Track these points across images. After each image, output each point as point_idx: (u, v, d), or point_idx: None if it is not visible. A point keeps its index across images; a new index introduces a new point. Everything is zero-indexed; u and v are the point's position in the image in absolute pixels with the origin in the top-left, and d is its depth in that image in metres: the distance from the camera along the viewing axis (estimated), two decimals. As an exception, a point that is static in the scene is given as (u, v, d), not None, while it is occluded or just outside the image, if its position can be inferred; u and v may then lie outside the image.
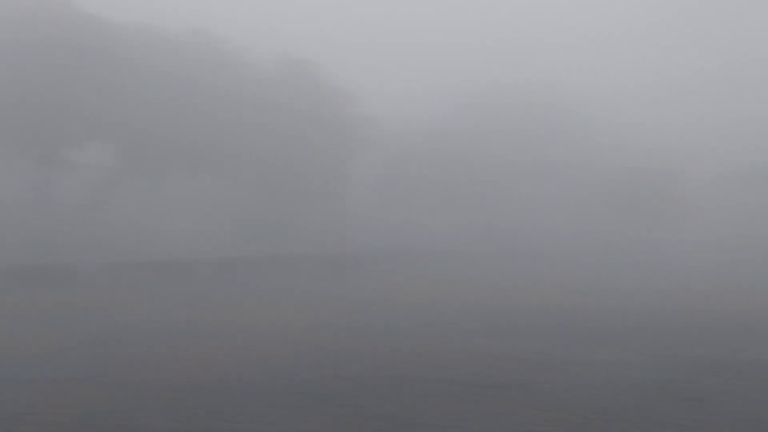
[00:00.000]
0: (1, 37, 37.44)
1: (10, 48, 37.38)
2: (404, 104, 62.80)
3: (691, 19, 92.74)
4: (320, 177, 49.26)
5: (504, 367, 13.80)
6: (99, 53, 39.56)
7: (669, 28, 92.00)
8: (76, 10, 39.96)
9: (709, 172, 67.70)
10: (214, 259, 38.84)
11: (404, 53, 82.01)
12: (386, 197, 57.43)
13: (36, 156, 39.03)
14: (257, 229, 47.39)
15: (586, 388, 12.14)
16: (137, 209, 45.01)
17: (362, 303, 25.65)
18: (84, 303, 24.95)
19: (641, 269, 47.79)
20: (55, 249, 38.37)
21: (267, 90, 47.62)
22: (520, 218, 63.03)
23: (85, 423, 9.17)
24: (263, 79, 48.01)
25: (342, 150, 50.98)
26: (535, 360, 14.81)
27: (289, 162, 47.69)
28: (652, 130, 73.49)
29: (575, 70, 79.69)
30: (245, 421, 9.57)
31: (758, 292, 33.12)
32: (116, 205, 43.76)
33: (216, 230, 46.49)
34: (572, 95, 68.42)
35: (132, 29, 42.26)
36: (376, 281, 35.73)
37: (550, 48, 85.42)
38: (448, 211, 60.44)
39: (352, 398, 11.16)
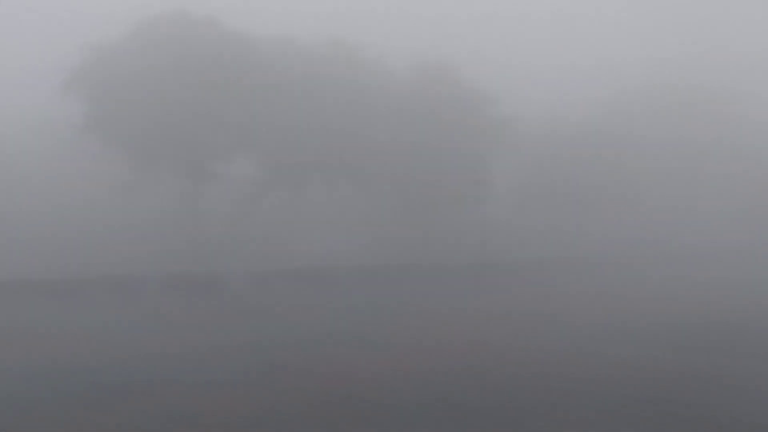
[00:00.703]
0: (153, 59, 39.30)
1: (160, 69, 39.11)
2: (547, 105, 60.08)
3: None
4: (460, 183, 47.90)
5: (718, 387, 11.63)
6: (243, 68, 40.63)
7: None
8: (221, 29, 41.36)
9: None
10: (355, 267, 38.64)
11: (546, 51, 79.16)
12: (530, 202, 55.03)
13: (186, 169, 40.63)
14: (397, 237, 46.75)
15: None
16: (280, 218, 45.80)
17: (515, 315, 23.85)
18: (233, 310, 25.15)
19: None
20: (205, 257, 39.58)
21: (405, 96, 47.04)
22: (673, 225, 58.74)
23: (248, 424, 8.93)
24: (400, 86, 47.49)
25: (482, 154, 49.37)
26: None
27: (429, 168, 46.74)
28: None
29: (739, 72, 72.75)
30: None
31: None
32: (260, 214, 44.72)
33: (356, 238, 46.34)
34: (738, 99, 62.84)
35: (272, 43, 43.07)
36: (523, 291, 33.79)
37: (711, 48, 78.80)
38: (596, 217, 57.10)
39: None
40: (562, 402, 10.17)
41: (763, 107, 62.94)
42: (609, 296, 29.05)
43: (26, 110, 43.27)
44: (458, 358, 13.71)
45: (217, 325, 20.40)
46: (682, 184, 60.35)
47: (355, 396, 10.82)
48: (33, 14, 50.19)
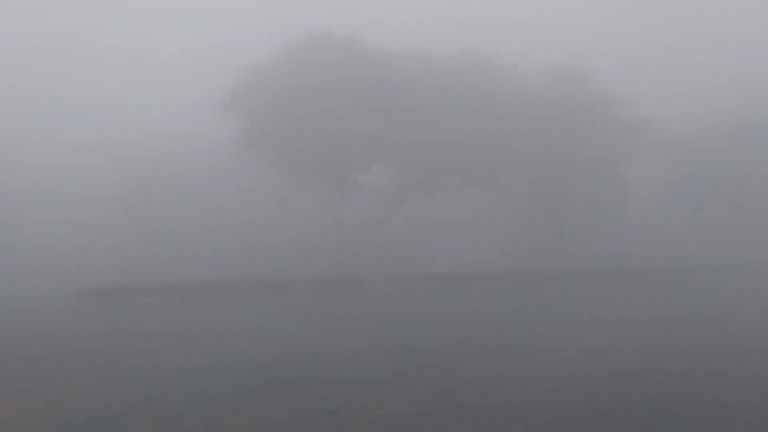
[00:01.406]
0: (301, 79, 41.77)
1: (308, 87, 41.46)
2: (686, 105, 57.39)
3: None
4: (599, 186, 46.92)
5: None
6: (381, 82, 42.31)
7: None
8: (362, 47, 43.28)
9: None
10: (493, 272, 38.85)
11: (682, 50, 75.55)
12: (671, 205, 52.87)
13: (330, 180, 43.00)
14: (535, 242, 46.50)
15: None
16: (419, 225, 47.00)
17: (658, 320, 23.38)
18: (375, 312, 25.87)
19: None
20: (348, 263, 41.56)
21: (539, 102, 46.79)
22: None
23: (393, 424, 9.34)
24: (534, 91, 47.34)
25: (620, 157, 48.18)
26: None
27: (566, 173, 46.21)
28: None
29: None
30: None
31: None
32: (400, 221, 46.11)
33: (493, 244, 46.62)
34: None
35: (408, 57, 44.47)
36: (671, 297, 32.61)
37: None
38: (741, 219, 53.81)
39: None
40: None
41: None
42: (755, 302, 27.22)
43: (191, 131, 47.23)
44: (603, 363, 13.64)
45: (363, 327, 21.13)
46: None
47: (501, 399, 10.78)
48: (193, 40, 54.68)
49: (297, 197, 42.51)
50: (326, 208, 44.40)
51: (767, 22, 79.31)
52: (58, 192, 44.90)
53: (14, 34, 52.62)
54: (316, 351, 16.26)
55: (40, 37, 53.12)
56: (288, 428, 9.27)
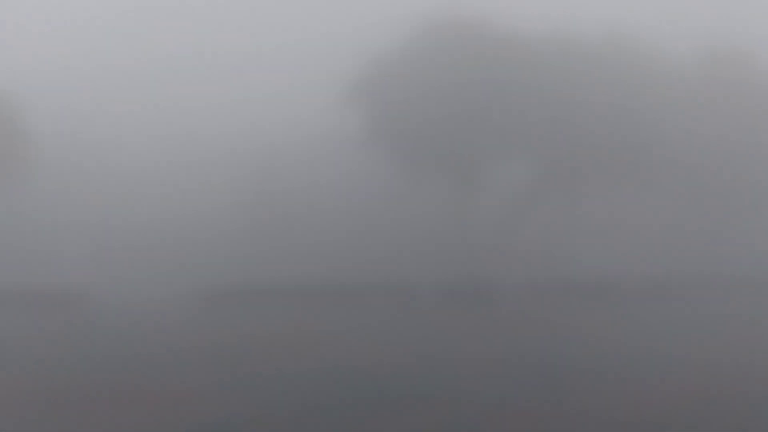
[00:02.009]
0: (427, 67, 40.21)
1: (435, 77, 39.92)
2: None
3: None
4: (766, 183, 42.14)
5: None
6: (516, 70, 39.94)
7: None
8: (493, 31, 41.09)
9: None
10: (641, 279, 35.88)
11: None
12: None
13: (460, 177, 41.05)
14: (692, 245, 42.35)
15: None
16: (557, 227, 44.21)
17: None
18: (504, 320, 24.67)
19: None
20: (478, 267, 39.40)
21: (693, 87, 42.58)
22: None
23: None
24: (687, 75, 43.14)
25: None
26: None
27: (726, 168, 41.78)
28: None
29: None
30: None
31: None
32: (536, 222, 43.55)
33: (644, 248, 42.85)
34: None
35: (544, 41, 41.62)
36: None
37: None
38: None
39: None
40: None
41: None
42: None
43: (312, 123, 46.75)
44: None
45: (490, 336, 19.83)
46: None
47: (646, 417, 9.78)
48: (315, 31, 54.33)
49: (424, 195, 41.00)
50: (456, 207, 42.47)
51: None
52: (181, 189, 45.56)
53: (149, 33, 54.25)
54: (440, 360, 15.34)
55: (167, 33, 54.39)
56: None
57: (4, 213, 39.53)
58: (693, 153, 41.65)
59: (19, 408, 10.63)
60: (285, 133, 47.49)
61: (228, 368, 14.01)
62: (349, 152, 42.75)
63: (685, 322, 23.98)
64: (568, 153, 40.69)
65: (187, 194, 45.25)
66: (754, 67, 44.25)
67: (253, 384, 12.29)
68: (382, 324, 23.71)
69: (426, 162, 40.89)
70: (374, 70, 41.34)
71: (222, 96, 49.21)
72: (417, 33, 41.48)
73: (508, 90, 40.04)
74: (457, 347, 17.53)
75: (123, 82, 49.71)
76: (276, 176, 46.31)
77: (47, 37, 52.69)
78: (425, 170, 40.99)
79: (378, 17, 49.16)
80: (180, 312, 28.34)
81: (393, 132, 40.99)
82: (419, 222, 42.82)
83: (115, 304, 30.47)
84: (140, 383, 12.59)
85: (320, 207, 44.77)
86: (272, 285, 32.20)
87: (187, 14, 56.84)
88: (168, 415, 9.81)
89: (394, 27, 41.85)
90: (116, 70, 50.82)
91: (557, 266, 40.26)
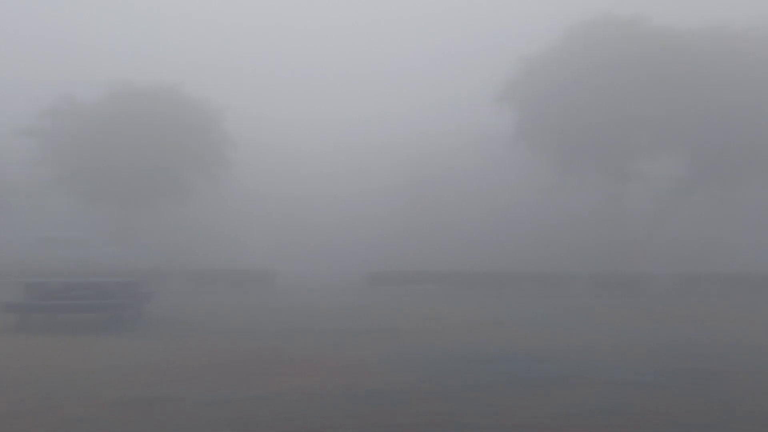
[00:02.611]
0: (580, 64, 40.60)
1: (587, 73, 40.19)
2: None
3: None
4: None
5: None
6: (670, 62, 39.32)
7: None
8: (648, 26, 40.69)
9: None
10: None
11: None
12: None
13: (610, 169, 41.38)
14: None
15: None
16: (709, 220, 43.26)
17: None
18: (653, 312, 24.68)
19: None
20: (628, 258, 39.81)
21: None
22: None
23: (655, 426, 9.11)
24: None
25: None
26: None
27: None
28: None
29: None
30: None
31: None
32: (688, 215, 42.85)
33: None
34: None
35: (701, 34, 40.72)
36: None
37: None
38: None
39: None
40: None
41: None
42: None
43: (466, 124, 49.04)
44: None
45: (637, 325, 20.34)
46: None
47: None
48: (465, 33, 56.20)
49: (574, 188, 41.65)
50: (606, 200, 42.93)
51: None
52: (350, 189, 49.89)
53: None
54: (585, 347, 16.08)
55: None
56: (548, 425, 9.43)
57: (211, 209, 45.75)
58: None
59: (217, 367, 13.15)
60: (449, 138, 49.92)
61: (394, 344, 16.05)
62: (507, 152, 44.09)
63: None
64: (724, 145, 39.78)
65: (362, 195, 49.55)
66: None
67: (414, 360, 13.99)
68: (529, 310, 24.86)
69: (576, 155, 41.29)
70: (527, 70, 42.45)
71: (391, 103, 52.52)
72: (571, 31, 41.85)
73: (663, 82, 39.51)
74: (601, 333, 18.50)
75: (313, 91, 54.65)
76: (442, 179, 49.05)
77: (249, 47, 58.86)
78: (575, 163, 41.40)
79: (531, 16, 50.30)
80: (352, 292, 32.00)
81: (542, 128, 41.86)
82: (568, 214, 43.62)
83: (299, 284, 35.19)
84: (318, 353, 14.81)
85: (472, 203, 47.15)
86: (436, 271, 35.03)
87: (358, 27, 61.02)
88: (342, 382, 11.75)
89: (547, 26, 42.47)
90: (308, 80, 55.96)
91: (708, 259, 39.92)
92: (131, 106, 40.29)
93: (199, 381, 12.04)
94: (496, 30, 53.47)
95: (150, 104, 40.49)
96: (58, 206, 43.27)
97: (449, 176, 49.00)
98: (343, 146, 51.97)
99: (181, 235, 45.45)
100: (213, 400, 10.53)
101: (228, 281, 32.44)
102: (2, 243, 43.06)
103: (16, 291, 20.96)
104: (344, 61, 57.49)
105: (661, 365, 13.94)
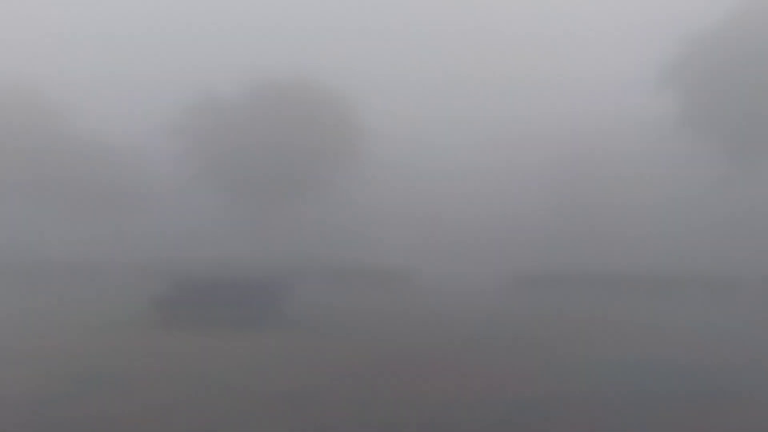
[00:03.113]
0: (749, 46, 37.58)
1: (758, 55, 37.23)
2: None
3: None
4: None
5: None
6: None
7: None
8: None
9: None
10: None
11: None
12: None
13: None
14: None
15: None
16: None
17: None
18: None
19: None
20: None
21: None
22: None
23: None
24: None
25: None
26: None
27: None
28: None
29: None
30: None
31: None
32: None
33: None
34: None
35: None
36: None
37: None
38: None
39: None
40: None
41: None
42: None
43: (624, 108, 46.49)
44: None
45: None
46: None
47: None
48: (626, 11, 53.37)
49: (744, 179, 38.41)
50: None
51: None
52: (495, 185, 48.67)
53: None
54: (757, 358, 14.62)
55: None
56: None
57: (340, 203, 46.24)
58: None
59: (361, 366, 13.05)
60: (607, 124, 47.69)
61: (547, 351, 15.30)
62: (670, 138, 41.60)
63: None
64: None
65: (508, 191, 48.26)
66: None
67: (571, 367, 13.34)
68: (696, 316, 23.57)
69: (747, 144, 38.14)
70: (692, 51, 39.77)
71: (544, 90, 50.90)
72: (739, 9, 38.82)
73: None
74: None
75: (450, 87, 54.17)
76: (597, 168, 46.88)
77: (387, 40, 59.35)
78: (746, 153, 38.24)
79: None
80: (496, 295, 31.00)
81: (709, 113, 39.04)
82: (738, 208, 40.51)
83: (438, 285, 34.63)
84: (457, 357, 14.36)
85: (632, 193, 44.57)
86: (592, 273, 33.32)
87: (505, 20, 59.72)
88: (487, 387, 11.37)
89: (711, 8, 39.74)
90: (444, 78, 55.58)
91: None
92: (270, 102, 41.30)
93: (346, 379, 11.86)
94: (658, 6, 50.41)
95: (288, 99, 41.33)
96: (201, 202, 45.29)
97: (603, 168, 46.66)
98: (488, 139, 50.88)
99: (319, 231, 46.30)
100: (360, 399, 10.34)
101: (366, 279, 32.39)
102: (148, 238, 45.78)
103: (165, 286, 21.86)
104: (488, 53, 56.41)
105: None
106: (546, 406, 10.11)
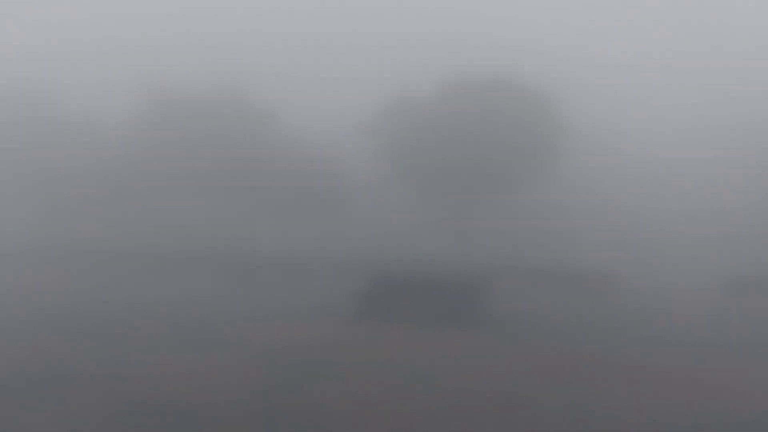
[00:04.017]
0: None
1: None
2: None
3: None
4: None
5: None
6: None
7: None
8: None
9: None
10: None
11: None
12: None
13: None
14: None
15: None
16: None
17: None
18: None
19: None
20: None
21: None
22: None
23: None
24: None
25: None
26: None
27: None
28: None
29: None
30: None
31: None
32: None
33: None
34: None
35: None
36: None
37: None
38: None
39: None
40: None
41: None
42: None
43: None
44: None
45: None
46: None
47: None
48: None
49: None
50: None
51: None
52: (704, 184, 45.67)
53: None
54: None
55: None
56: None
57: (544, 204, 45.15)
58: None
59: (566, 370, 12.73)
60: None
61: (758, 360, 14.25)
62: None
63: None
64: None
65: (716, 187, 44.95)
66: None
67: None
68: None
69: None
70: None
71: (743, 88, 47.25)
72: None
73: None
74: None
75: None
76: None
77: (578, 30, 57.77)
78: None
79: None
80: (704, 301, 28.76)
81: None
82: None
83: (645, 289, 32.54)
84: (676, 365, 13.68)
85: None
86: None
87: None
88: (709, 400, 10.87)
89: None
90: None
91: None
92: (463, 100, 41.27)
93: (550, 383, 11.91)
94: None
95: (482, 97, 41.06)
96: (396, 201, 46.24)
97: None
98: (690, 133, 47.59)
99: (514, 230, 45.66)
100: (567, 406, 10.30)
101: (563, 282, 31.11)
102: (347, 236, 47.72)
103: (367, 281, 22.58)
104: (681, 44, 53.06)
105: None
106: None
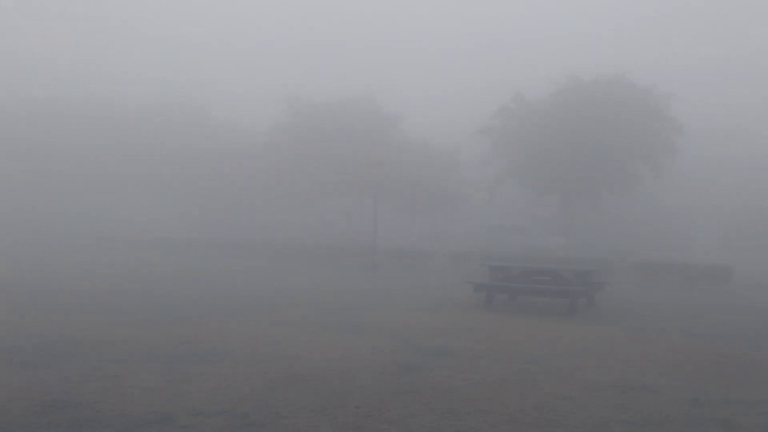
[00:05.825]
0: None
1: None
2: None
3: None
4: None
5: None
6: None
7: None
8: None
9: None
10: None
11: None
12: None
13: None
14: None
15: None
16: None
17: None
18: None
19: None
20: None
21: None
22: None
23: None
24: None
25: None
26: None
27: None
28: None
29: None
30: None
31: None
32: None
33: None
34: None
35: None
36: None
37: None
38: None
39: None
40: None
41: None
42: None
43: None
44: None
45: None
46: None
47: None
48: None
49: None
50: None
51: None
52: None
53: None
54: None
55: None
56: None
57: (656, 200, 43.67)
58: None
59: (685, 363, 12.49)
60: None
61: None
62: None
63: None
64: None
65: None
66: None
67: None
68: None
69: None
70: None
71: None
72: None
73: None
74: None
75: None
76: None
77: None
78: None
79: None
80: None
81: None
82: None
83: (759, 284, 30.81)
84: None
85: None
86: None
87: None
88: None
89: None
90: None
91: None
92: (575, 98, 40.68)
93: (671, 375, 11.68)
94: None
95: (594, 94, 40.33)
96: (508, 197, 46.38)
97: None
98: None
99: (625, 226, 44.64)
100: (688, 397, 10.18)
101: (675, 275, 30.08)
102: (463, 230, 48.35)
103: (483, 273, 23.17)
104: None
105: None
106: None
